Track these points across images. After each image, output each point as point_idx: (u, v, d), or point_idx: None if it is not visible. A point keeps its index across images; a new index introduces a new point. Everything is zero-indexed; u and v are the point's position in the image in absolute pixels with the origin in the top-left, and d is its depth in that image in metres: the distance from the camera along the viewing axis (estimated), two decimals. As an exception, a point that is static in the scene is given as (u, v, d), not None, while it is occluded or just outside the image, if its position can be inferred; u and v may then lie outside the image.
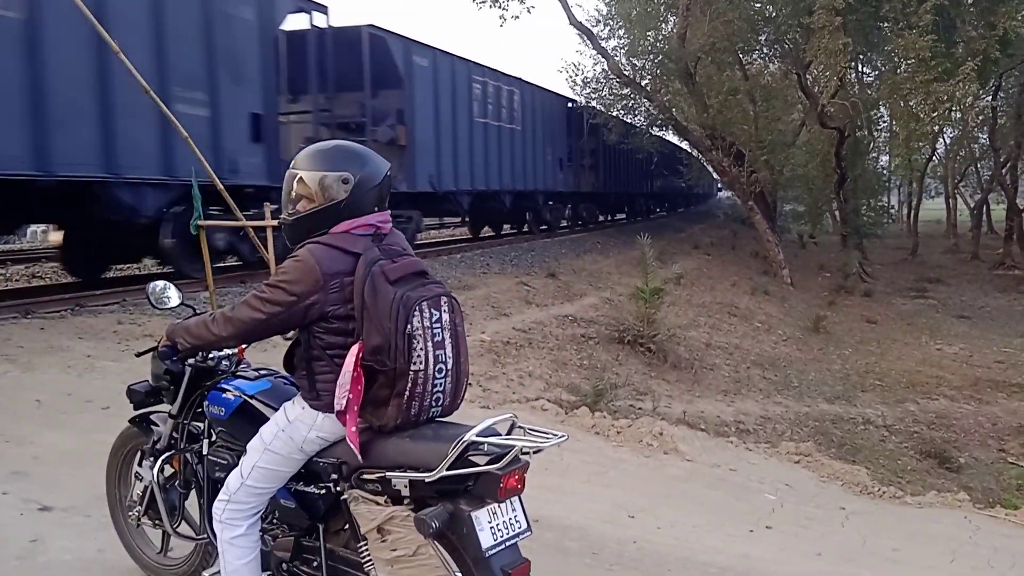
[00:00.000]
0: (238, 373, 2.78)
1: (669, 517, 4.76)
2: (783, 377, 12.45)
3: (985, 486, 8.66)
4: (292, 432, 2.38)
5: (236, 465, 2.50)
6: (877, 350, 15.46)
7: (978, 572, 4.58)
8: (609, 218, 30.02)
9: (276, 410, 2.48)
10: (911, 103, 17.57)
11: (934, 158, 34.33)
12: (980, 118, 26.74)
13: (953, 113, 20.05)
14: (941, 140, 31.39)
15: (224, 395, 2.68)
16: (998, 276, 25.35)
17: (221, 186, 8.03)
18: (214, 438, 2.75)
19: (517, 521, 2.22)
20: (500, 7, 21.26)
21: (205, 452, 2.75)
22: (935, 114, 16.86)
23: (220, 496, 2.48)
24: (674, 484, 5.54)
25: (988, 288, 23.56)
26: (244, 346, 2.79)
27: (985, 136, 30.25)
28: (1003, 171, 28.53)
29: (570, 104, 24.06)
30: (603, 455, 5.89)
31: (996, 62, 18.29)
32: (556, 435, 2.19)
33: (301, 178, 2.36)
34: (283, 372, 2.60)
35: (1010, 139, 27.29)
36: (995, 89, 25.14)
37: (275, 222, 7.75)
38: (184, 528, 2.93)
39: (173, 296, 3.02)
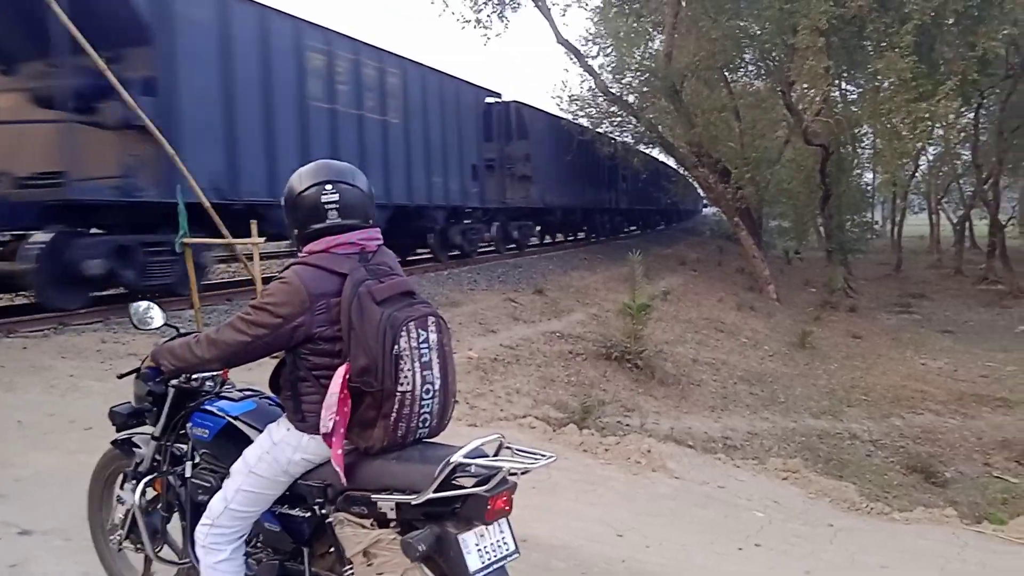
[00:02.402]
0: (222, 394, 2.74)
1: (658, 536, 4.73)
2: (770, 393, 12.47)
3: (971, 500, 8.68)
4: (277, 454, 2.34)
5: (220, 488, 2.46)
6: (863, 365, 15.52)
7: (967, 589, 4.58)
8: (559, 238, 26.13)
9: (261, 432, 2.45)
10: (893, 121, 17.77)
11: (917, 174, 34.69)
12: (962, 135, 27.02)
13: (935, 131, 20.28)
14: (924, 157, 31.73)
15: (208, 416, 2.65)
16: (981, 291, 25.55)
17: (208, 204, 8.07)
18: (197, 460, 2.71)
19: (505, 543, 2.20)
20: (483, 26, 22.38)
21: (188, 475, 2.70)
22: (917, 131, 17.06)
23: (203, 520, 2.44)
24: (662, 502, 5.52)
25: (971, 303, 23.75)
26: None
27: (967, 153, 30.56)
28: (985, 187, 28.79)
29: (491, 99, 19.45)
30: (591, 473, 5.87)
31: (976, 82, 18.56)
32: (544, 456, 2.16)
33: (286, 196, 2.37)
34: (268, 393, 2.57)
35: (992, 156, 27.57)
36: (977, 107, 25.45)
37: (261, 240, 7.77)
38: (166, 552, 2.88)
39: (156, 316, 3.00)
